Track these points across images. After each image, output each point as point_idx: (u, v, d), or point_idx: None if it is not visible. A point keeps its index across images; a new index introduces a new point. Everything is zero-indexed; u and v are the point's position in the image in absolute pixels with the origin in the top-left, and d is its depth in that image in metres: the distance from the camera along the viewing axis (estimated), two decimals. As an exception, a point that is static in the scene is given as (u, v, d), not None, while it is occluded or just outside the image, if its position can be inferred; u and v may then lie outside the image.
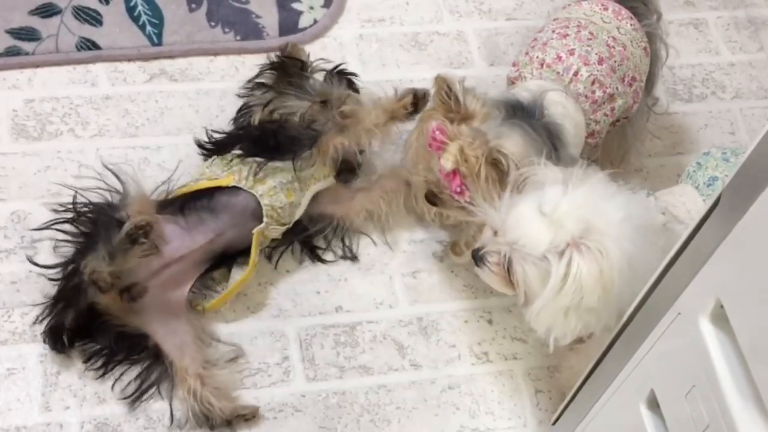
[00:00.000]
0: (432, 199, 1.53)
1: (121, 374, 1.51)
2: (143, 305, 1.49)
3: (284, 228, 1.59)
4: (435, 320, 1.65)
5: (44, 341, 1.50)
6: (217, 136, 1.68)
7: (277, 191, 1.56)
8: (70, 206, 1.54)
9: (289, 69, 1.69)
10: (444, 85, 1.45)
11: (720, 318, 0.96)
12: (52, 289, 1.53)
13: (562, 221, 1.27)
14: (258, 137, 1.61)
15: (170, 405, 1.49)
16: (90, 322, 1.49)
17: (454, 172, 1.42)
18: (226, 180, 1.56)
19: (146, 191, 1.56)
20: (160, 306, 1.52)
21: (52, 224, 1.54)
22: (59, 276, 1.51)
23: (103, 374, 1.50)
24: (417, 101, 1.58)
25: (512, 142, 1.42)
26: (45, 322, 1.50)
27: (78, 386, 1.50)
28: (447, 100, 1.45)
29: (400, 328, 1.64)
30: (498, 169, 1.40)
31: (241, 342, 1.58)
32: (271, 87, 1.69)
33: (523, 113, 1.48)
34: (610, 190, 1.33)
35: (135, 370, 1.51)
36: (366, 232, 1.70)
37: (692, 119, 1.97)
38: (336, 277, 1.67)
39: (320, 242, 1.67)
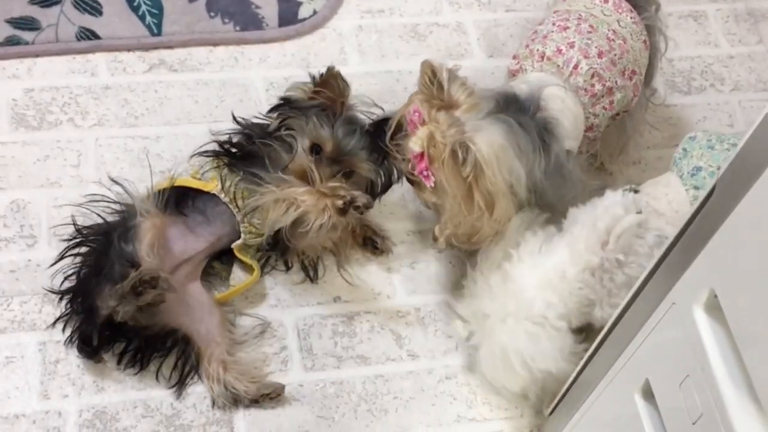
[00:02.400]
0: (409, 178, 1.53)
1: (160, 365, 1.53)
2: (165, 306, 1.49)
3: (265, 237, 1.57)
4: (432, 311, 1.66)
5: (79, 353, 1.51)
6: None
7: (255, 210, 1.54)
8: (78, 228, 1.56)
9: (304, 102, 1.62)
10: (428, 70, 1.44)
11: (714, 308, 0.97)
12: (51, 282, 1.55)
13: (471, 332, 1.53)
14: (243, 154, 1.58)
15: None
16: (116, 328, 1.49)
17: (422, 154, 1.42)
18: (209, 186, 1.56)
19: (153, 205, 1.53)
20: (181, 302, 1.53)
21: (66, 253, 1.55)
22: (72, 292, 1.53)
23: (140, 370, 1.51)
24: (347, 207, 1.46)
25: (487, 138, 1.39)
26: (70, 332, 1.51)
27: (76, 375, 1.51)
28: (429, 86, 1.43)
29: (398, 318, 1.65)
30: (456, 159, 1.38)
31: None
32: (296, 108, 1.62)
33: (516, 107, 1.47)
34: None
35: (172, 359, 1.52)
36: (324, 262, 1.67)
37: (691, 111, 1.97)
38: (334, 268, 1.67)
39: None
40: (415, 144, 1.42)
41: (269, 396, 1.51)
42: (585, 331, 1.48)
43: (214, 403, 1.51)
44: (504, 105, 1.46)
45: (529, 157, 1.43)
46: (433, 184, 1.43)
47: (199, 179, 1.57)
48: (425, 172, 1.43)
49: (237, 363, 1.53)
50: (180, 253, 1.55)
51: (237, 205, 1.55)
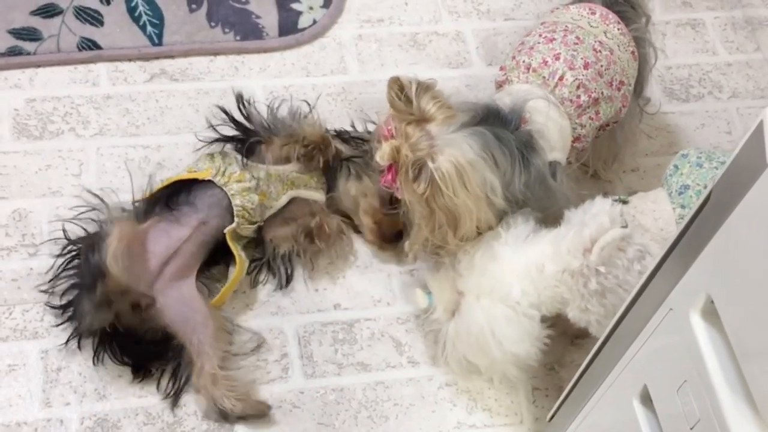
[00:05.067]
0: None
1: (162, 372, 1.54)
2: (159, 309, 1.51)
3: (255, 226, 1.60)
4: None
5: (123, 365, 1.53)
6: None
7: (250, 192, 1.57)
8: (70, 240, 1.57)
9: None
10: (395, 86, 1.43)
11: (711, 313, 0.97)
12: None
13: (436, 305, 1.52)
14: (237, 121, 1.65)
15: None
16: (116, 337, 1.51)
17: (389, 167, 1.42)
18: (203, 174, 1.58)
19: (121, 214, 1.56)
20: (175, 303, 1.53)
21: (61, 272, 1.56)
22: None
23: (141, 379, 1.52)
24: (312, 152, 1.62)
25: (452, 153, 1.37)
26: (94, 349, 1.52)
27: (78, 382, 1.52)
28: (397, 101, 1.42)
29: (398, 325, 1.65)
30: (408, 175, 1.38)
31: (240, 339, 1.60)
32: None
33: (497, 121, 1.46)
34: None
35: (169, 369, 1.53)
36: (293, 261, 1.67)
37: (689, 119, 1.98)
38: (334, 275, 1.68)
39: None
40: (381, 158, 1.42)
41: (255, 416, 1.51)
42: (551, 318, 1.50)
43: (205, 415, 1.51)
44: (483, 117, 1.44)
45: (506, 170, 1.42)
46: (399, 195, 1.44)
47: (195, 171, 1.60)
48: (392, 182, 1.43)
49: (228, 378, 1.51)
50: (164, 249, 1.55)
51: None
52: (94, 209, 1.57)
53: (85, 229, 1.57)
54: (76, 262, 1.55)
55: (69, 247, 1.56)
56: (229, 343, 1.57)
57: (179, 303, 1.54)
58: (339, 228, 1.68)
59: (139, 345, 1.51)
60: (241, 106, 1.68)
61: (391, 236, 1.67)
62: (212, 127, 1.65)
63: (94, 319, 1.46)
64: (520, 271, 1.44)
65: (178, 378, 1.52)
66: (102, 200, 1.58)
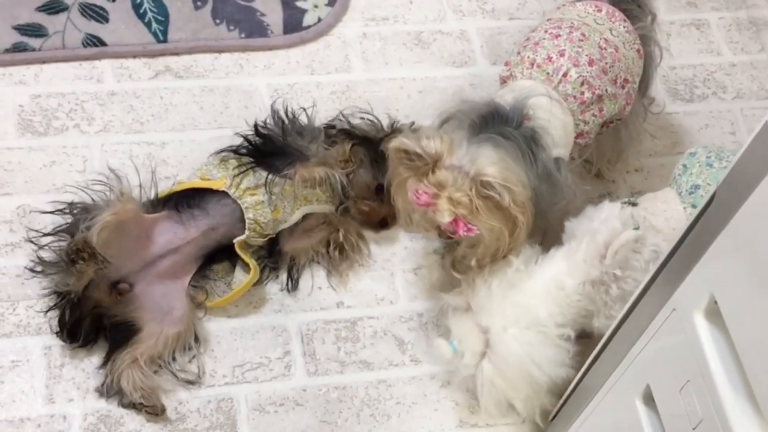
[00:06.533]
0: (447, 238, 1.52)
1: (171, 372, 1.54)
2: (136, 296, 1.52)
3: (266, 238, 1.61)
4: (435, 316, 1.66)
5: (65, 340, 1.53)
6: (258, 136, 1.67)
7: (264, 206, 1.57)
8: (66, 208, 1.58)
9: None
10: (401, 152, 1.43)
11: (714, 314, 0.97)
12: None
13: (463, 351, 1.46)
14: (257, 141, 1.64)
15: None
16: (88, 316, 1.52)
17: (455, 219, 1.42)
18: (217, 183, 1.58)
19: (129, 194, 1.56)
20: (156, 294, 1.54)
21: (55, 231, 1.57)
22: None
23: (104, 364, 1.52)
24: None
25: (487, 161, 1.39)
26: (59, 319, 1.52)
27: (81, 378, 1.52)
28: (413, 163, 1.42)
29: (401, 323, 1.65)
30: (492, 198, 1.38)
31: (243, 336, 1.60)
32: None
33: (498, 120, 1.46)
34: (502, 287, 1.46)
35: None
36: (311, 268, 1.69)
37: (693, 119, 1.98)
38: (335, 273, 1.68)
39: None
40: (443, 217, 1.41)
41: (146, 408, 1.49)
42: (581, 337, 1.49)
43: (98, 389, 1.51)
44: (481, 123, 1.45)
45: (520, 163, 1.43)
46: (477, 232, 1.43)
47: (209, 179, 1.59)
48: (466, 230, 1.42)
49: (145, 371, 1.50)
50: (165, 243, 1.56)
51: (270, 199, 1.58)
52: (106, 185, 1.58)
53: (93, 199, 1.57)
54: (68, 223, 1.55)
55: (69, 209, 1.56)
56: (174, 355, 1.54)
57: (160, 296, 1.54)
58: (359, 235, 1.70)
59: (95, 322, 1.52)
60: (275, 124, 1.68)
61: (377, 223, 1.71)
62: (247, 141, 1.64)
63: (62, 280, 1.48)
64: (540, 293, 1.44)
65: (111, 349, 1.52)
66: (119, 178, 1.58)
